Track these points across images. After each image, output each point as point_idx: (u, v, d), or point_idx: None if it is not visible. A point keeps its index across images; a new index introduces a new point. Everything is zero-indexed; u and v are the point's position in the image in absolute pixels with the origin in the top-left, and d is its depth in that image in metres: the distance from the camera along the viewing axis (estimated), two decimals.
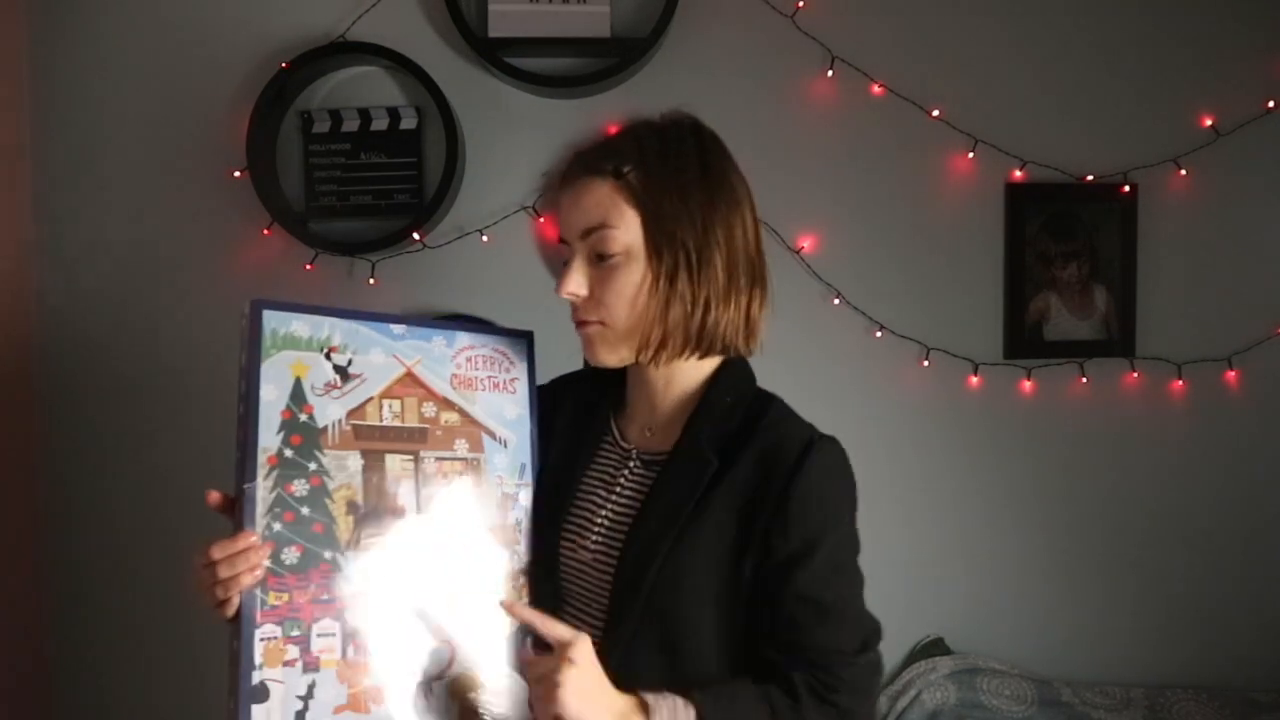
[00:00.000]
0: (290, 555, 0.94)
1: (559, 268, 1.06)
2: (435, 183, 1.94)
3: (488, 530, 1.06)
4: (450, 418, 1.06)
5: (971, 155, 2.00)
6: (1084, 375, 2.03)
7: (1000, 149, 2.00)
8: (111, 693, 2.01)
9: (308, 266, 1.97)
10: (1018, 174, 2.01)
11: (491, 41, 1.91)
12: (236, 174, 1.94)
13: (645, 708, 0.91)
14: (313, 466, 0.97)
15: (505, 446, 1.09)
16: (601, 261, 1.00)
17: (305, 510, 0.96)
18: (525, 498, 1.09)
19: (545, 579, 1.06)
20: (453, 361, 1.07)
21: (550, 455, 1.13)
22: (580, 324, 1.03)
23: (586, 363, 1.08)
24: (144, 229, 1.99)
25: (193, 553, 0.95)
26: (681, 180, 1.00)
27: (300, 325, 0.98)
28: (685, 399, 1.06)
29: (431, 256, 1.98)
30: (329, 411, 0.99)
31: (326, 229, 1.99)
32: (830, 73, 1.99)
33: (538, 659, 0.92)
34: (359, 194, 1.98)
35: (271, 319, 0.97)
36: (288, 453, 0.96)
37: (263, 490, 0.94)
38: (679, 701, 0.91)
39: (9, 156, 1.94)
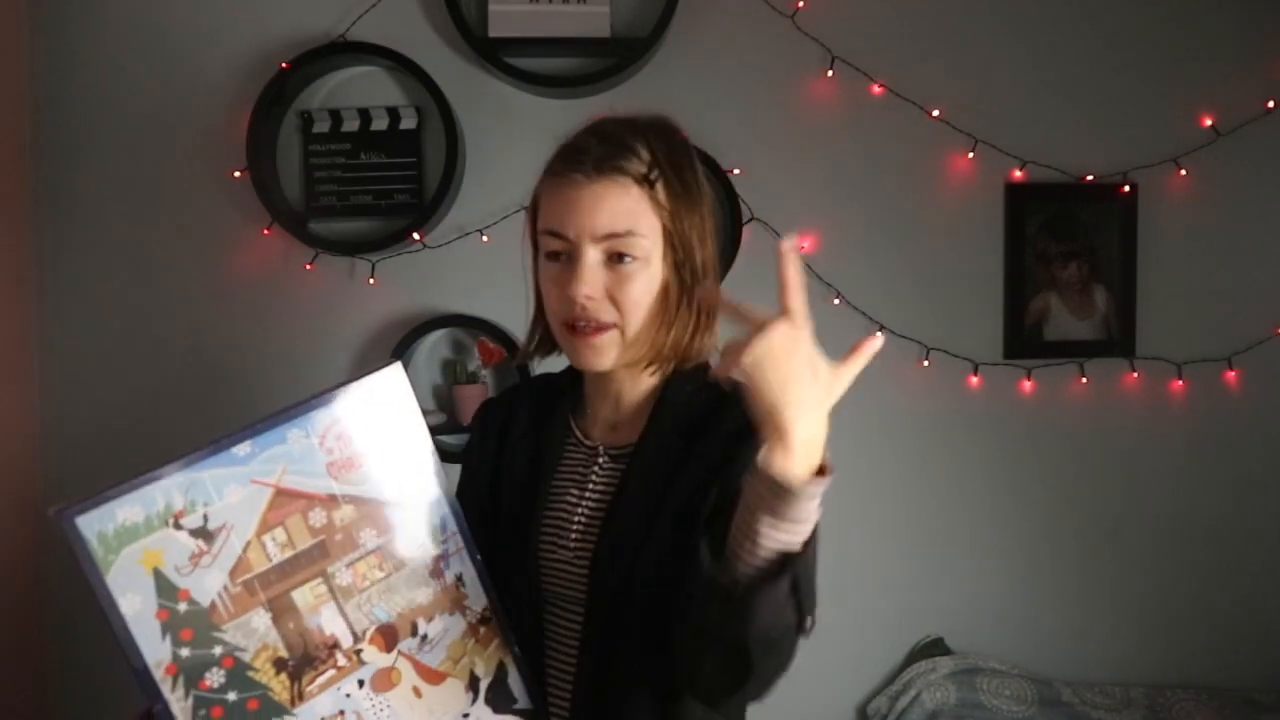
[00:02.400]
0: None
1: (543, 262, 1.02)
2: (435, 183, 1.94)
3: (431, 609, 0.94)
4: (344, 514, 0.90)
5: (971, 155, 2.00)
6: (1084, 375, 2.03)
7: (1000, 149, 2.00)
8: (111, 695, 2.02)
9: (308, 266, 1.97)
10: (1018, 174, 2.01)
11: (491, 41, 1.91)
12: (236, 174, 1.94)
13: (823, 469, 0.83)
14: (218, 651, 0.85)
15: (414, 512, 0.93)
16: (619, 264, 0.98)
17: (232, 696, 0.86)
18: (455, 546, 0.96)
19: (526, 585, 1.05)
20: (321, 450, 0.88)
21: (513, 464, 1.11)
22: (589, 325, 0.98)
23: (522, 375, 1.05)
24: (144, 229, 1.99)
25: None
26: (689, 191, 1.01)
27: (127, 510, 0.82)
28: (647, 394, 1.07)
29: (431, 256, 1.98)
30: (208, 584, 0.85)
31: (326, 229, 1.99)
32: (830, 73, 1.99)
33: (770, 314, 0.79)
34: (359, 194, 1.98)
35: (89, 523, 0.81)
36: (184, 653, 0.84)
37: (176, 703, 0.84)
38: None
39: (9, 156, 1.94)
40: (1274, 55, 2.01)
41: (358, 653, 0.91)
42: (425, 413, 2.01)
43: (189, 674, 0.85)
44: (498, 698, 0.98)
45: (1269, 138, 2.01)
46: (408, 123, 1.97)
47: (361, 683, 0.91)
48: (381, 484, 0.91)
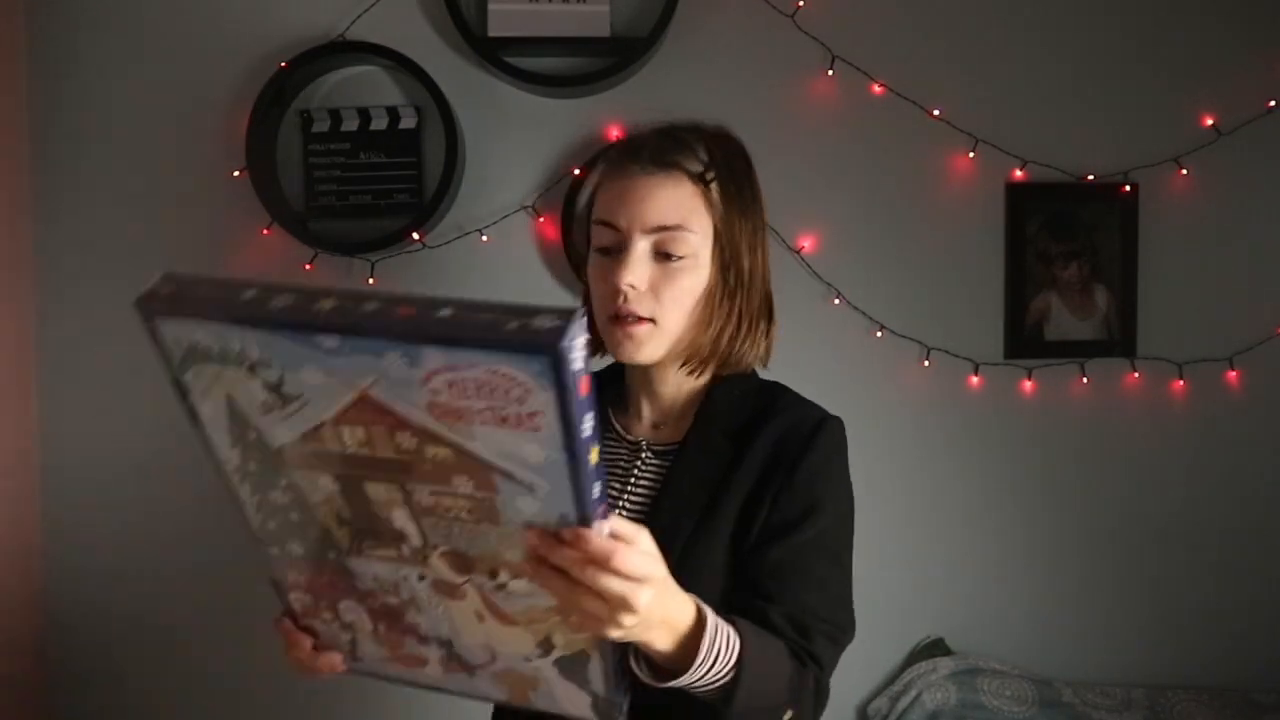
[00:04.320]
0: (294, 548, 0.85)
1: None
2: (435, 182, 1.93)
3: (521, 570, 0.78)
4: (439, 453, 0.71)
5: (972, 155, 2.00)
6: (1085, 375, 2.03)
7: (1001, 148, 2.00)
8: (112, 696, 2.02)
9: (307, 266, 1.97)
10: (1018, 173, 2.01)
11: (491, 41, 1.91)
12: (236, 174, 1.94)
13: (699, 618, 0.83)
14: (283, 481, 0.79)
15: (533, 492, 0.71)
16: (666, 260, 0.99)
17: (294, 516, 0.82)
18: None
19: None
20: (424, 388, 0.67)
21: None
22: (626, 318, 0.99)
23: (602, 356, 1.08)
24: (144, 229, 1.99)
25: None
26: (743, 197, 1.02)
27: (203, 336, 0.72)
28: (692, 395, 1.08)
29: (431, 256, 1.98)
30: (278, 434, 0.75)
31: (326, 229, 1.98)
32: (830, 72, 1.99)
33: (622, 560, 0.72)
34: (358, 194, 1.97)
35: (169, 328, 0.74)
36: (251, 467, 0.79)
37: (248, 505, 0.83)
38: (726, 627, 0.85)
39: (8, 156, 1.94)
40: (1275, 54, 2.01)
41: (424, 557, 0.80)
42: None
43: (255, 484, 0.81)
44: (568, 670, 0.86)
45: (1270, 137, 2.00)
46: (407, 122, 1.97)
47: (423, 577, 0.82)
48: (494, 450, 0.69)
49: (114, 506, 2.00)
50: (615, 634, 0.74)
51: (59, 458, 2.00)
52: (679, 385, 1.08)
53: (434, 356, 0.64)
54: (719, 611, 0.86)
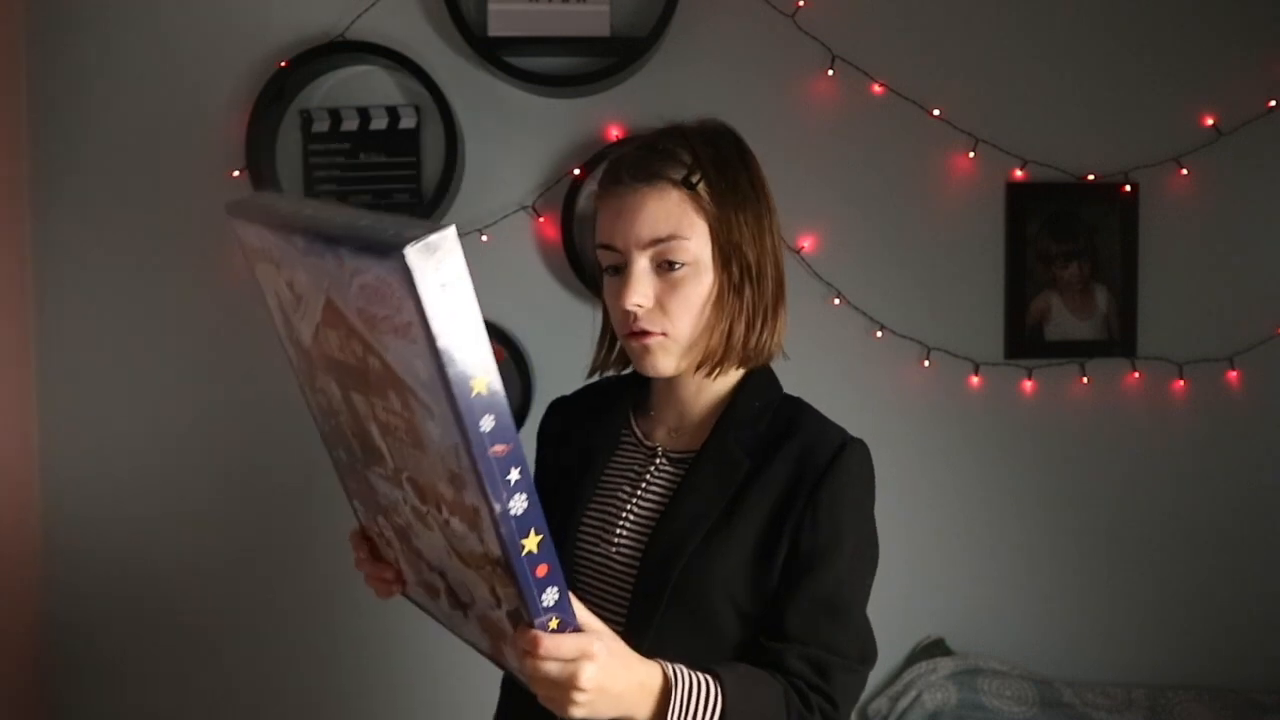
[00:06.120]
0: (341, 454, 0.93)
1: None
2: (434, 182, 1.93)
3: (453, 507, 0.77)
4: (374, 362, 0.73)
5: (972, 155, 2.00)
6: (1085, 375, 2.03)
7: (1001, 148, 2.00)
8: (112, 697, 2.01)
9: None
10: (1019, 173, 2.01)
11: (491, 41, 1.91)
12: (235, 174, 1.94)
13: (666, 681, 0.86)
14: (318, 383, 0.88)
15: (432, 416, 0.69)
16: (670, 270, 0.98)
17: (331, 422, 0.90)
18: (473, 484, 0.73)
19: None
20: (350, 291, 0.69)
21: (562, 457, 1.13)
22: (639, 334, 1.00)
23: (604, 374, 1.09)
24: (144, 229, 1.98)
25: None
26: (739, 192, 1.01)
27: (252, 236, 0.83)
28: (714, 403, 1.07)
29: None
30: (303, 331, 0.82)
31: None
32: (831, 72, 1.98)
33: (550, 646, 0.77)
34: (358, 193, 1.97)
35: (237, 227, 0.86)
36: (302, 364, 0.88)
37: (308, 396, 0.90)
38: (703, 678, 0.88)
39: (8, 156, 1.93)
40: (1276, 54, 2.01)
41: (399, 480, 0.83)
42: None
43: (307, 384, 0.89)
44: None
45: (1271, 137, 2.00)
46: (407, 122, 1.97)
47: (407, 501, 0.85)
48: (403, 367, 0.69)
49: (114, 506, 2.00)
50: (579, 712, 0.80)
51: (59, 458, 2.00)
52: (699, 390, 1.07)
53: (350, 260, 0.66)
54: (719, 647, 0.93)
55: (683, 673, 0.87)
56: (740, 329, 1.01)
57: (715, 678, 0.89)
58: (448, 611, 0.94)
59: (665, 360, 1.01)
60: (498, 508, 0.69)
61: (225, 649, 2.01)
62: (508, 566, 0.74)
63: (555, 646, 0.77)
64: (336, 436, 0.90)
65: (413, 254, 0.60)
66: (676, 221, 0.98)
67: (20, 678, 1.94)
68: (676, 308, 0.99)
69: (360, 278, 0.66)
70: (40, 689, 1.99)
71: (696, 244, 0.98)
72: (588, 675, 0.78)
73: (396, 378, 0.71)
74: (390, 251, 0.60)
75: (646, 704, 0.85)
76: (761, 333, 1.02)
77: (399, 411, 0.74)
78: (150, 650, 2.01)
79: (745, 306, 1.01)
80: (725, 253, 1.00)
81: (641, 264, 0.99)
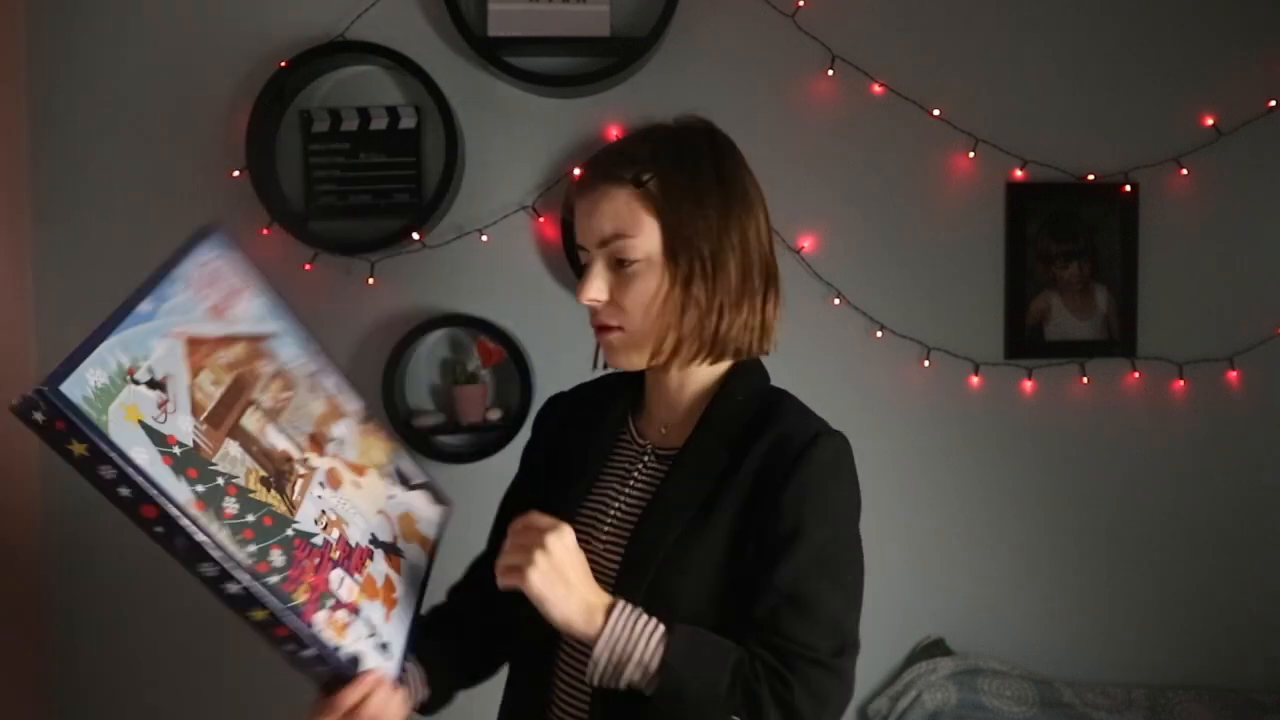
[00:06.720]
0: (277, 558, 0.91)
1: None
2: (434, 182, 1.93)
3: (330, 417, 1.08)
4: (237, 351, 0.98)
5: (972, 155, 2.00)
6: (1085, 375, 2.03)
7: (1001, 148, 2.00)
8: (112, 697, 2.01)
9: (307, 266, 1.97)
10: (1019, 173, 2.01)
11: (491, 41, 1.91)
12: (236, 174, 1.94)
13: (610, 608, 0.93)
14: (221, 481, 0.89)
15: (281, 337, 1.06)
16: (621, 268, 1.01)
17: (250, 517, 0.90)
18: (321, 363, 1.11)
19: None
20: (198, 298, 0.97)
21: (564, 454, 1.14)
22: (599, 329, 1.04)
23: (606, 367, 1.10)
24: (144, 229, 1.98)
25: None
26: (697, 186, 1.01)
27: (94, 373, 0.82)
28: (699, 397, 1.08)
29: (431, 256, 1.98)
30: (182, 427, 0.87)
31: (326, 229, 1.98)
32: (831, 72, 1.98)
33: (524, 528, 0.95)
34: (358, 193, 1.97)
35: (72, 390, 0.80)
36: (199, 488, 0.86)
37: (218, 533, 0.86)
38: (649, 621, 0.93)
39: (8, 155, 1.93)
40: (1276, 54, 2.01)
41: (305, 460, 1.01)
42: (424, 412, 2.00)
43: (212, 506, 0.87)
44: (402, 478, 1.15)
45: (1270, 137, 2.00)
46: (407, 122, 1.97)
47: (322, 484, 1.01)
48: (248, 322, 1.02)
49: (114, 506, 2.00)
50: (535, 578, 0.90)
51: (59, 458, 2.00)
52: (681, 384, 1.08)
53: (184, 272, 0.95)
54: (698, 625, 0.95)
55: (632, 606, 0.94)
56: (692, 321, 1.01)
57: (668, 628, 0.93)
58: (399, 580, 1.07)
59: (625, 354, 1.04)
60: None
61: (225, 648, 2.01)
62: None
63: (536, 517, 0.94)
64: (260, 534, 0.91)
65: (205, 232, 1.01)
66: (624, 220, 1.00)
67: (20, 677, 1.94)
68: (629, 303, 1.01)
69: (200, 274, 0.97)
70: (40, 687, 1.99)
71: (645, 241, 1.00)
72: (552, 540, 0.91)
73: (253, 337, 0.98)
74: (206, 234, 0.97)
75: (592, 617, 0.92)
76: (720, 324, 1.01)
77: (272, 372, 1.00)
78: (151, 649, 2.01)
79: (695, 300, 1.00)
80: (674, 249, 1.00)
81: (599, 261, 1.02)
